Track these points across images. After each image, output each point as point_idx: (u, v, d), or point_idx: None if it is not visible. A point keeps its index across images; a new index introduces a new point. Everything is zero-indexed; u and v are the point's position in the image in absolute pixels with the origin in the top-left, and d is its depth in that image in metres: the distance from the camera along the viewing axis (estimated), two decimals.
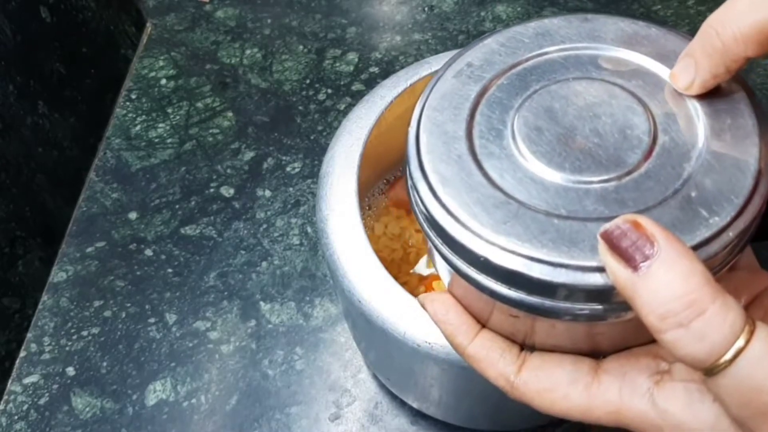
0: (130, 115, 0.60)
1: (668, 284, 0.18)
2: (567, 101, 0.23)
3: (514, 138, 0.23)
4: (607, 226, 0.19)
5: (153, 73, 0.63)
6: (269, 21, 0.65)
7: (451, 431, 0.43)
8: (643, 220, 0.19)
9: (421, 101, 0.24)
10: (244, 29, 0.65)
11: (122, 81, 0.62)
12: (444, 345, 0.31)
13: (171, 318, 0.49)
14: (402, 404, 0.44)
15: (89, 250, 0.53)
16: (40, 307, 0.51)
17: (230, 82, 0.61)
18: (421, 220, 0.23)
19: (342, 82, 0.60)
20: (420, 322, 0.31)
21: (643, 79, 0.23)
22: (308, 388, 0.46)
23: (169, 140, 0.58)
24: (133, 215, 0.54)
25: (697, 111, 0.22)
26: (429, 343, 0.31)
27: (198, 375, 0.47)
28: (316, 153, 0.56)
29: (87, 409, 0.46)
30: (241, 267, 0.51)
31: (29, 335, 0.49)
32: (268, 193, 0.55)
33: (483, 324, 0.25)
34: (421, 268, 0.41)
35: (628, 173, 0.21)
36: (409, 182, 0.23)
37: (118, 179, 0.56)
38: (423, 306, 0.26)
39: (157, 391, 0.46)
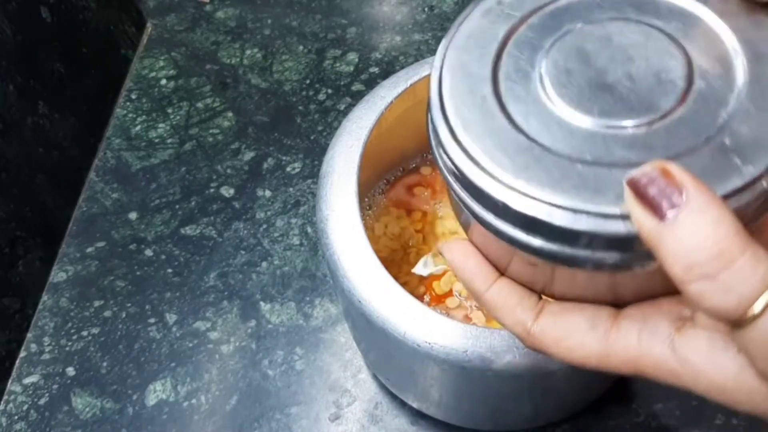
0: (130, 115, 0.60)
1: (695, 234, 0.17)
2: (600, 43, 0.22)
3: (541, 80, 0.22)
4: (633, 172, 0.18)
5: (153, 74, 0.63)
6: (269, 21, 0.65)
7: (451, 431, 0.43)
8: (673, 167, 0.18)
9: (446, 40, 0.23)
10: (245, 29, 0.65)
11: (122, 81, 0.62)
12: (444, 345, 0.31)
13: (171, 318, 0.49)
14: (402, 404, 0.44)
15: (89, 250, 0.53)
16: (40, 307, 0.51)
17: (230, 82, 0.61)
18: (441, 165, 0.22)
19: (342, 83, 0.60)
20: (420, 322, 0.31)
21: (683, 21, 0.22)
22: (308, 388, 0.46)
23: (169, 140, 0.58)
24: (133, 215, 0.54)
25: (738, 55, 0.21)
26: (429, 343, 0.31)
27: (198, 375, 0.47)
28: (316, 153, 0.56)
29: (87, 409, 0.46)
30: (241, 267, 0.51)
31: (29, 335, 0.49)
32: (268, 193, 0.55)
33: (502, 273, 0.24)
34: (421, 268, 0.41)
35: (660, 118, 0.20)
36: (430, 125, 0.23)
37: (118, 179, 0.56)
38: (442, 253, 0.25)
39: (157, 391, 0.46)
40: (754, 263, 0.17)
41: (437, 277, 0.40)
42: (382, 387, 0.45)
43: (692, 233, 0.17)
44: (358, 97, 0.59)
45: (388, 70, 0.60)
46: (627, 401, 0.43)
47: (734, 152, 0.19)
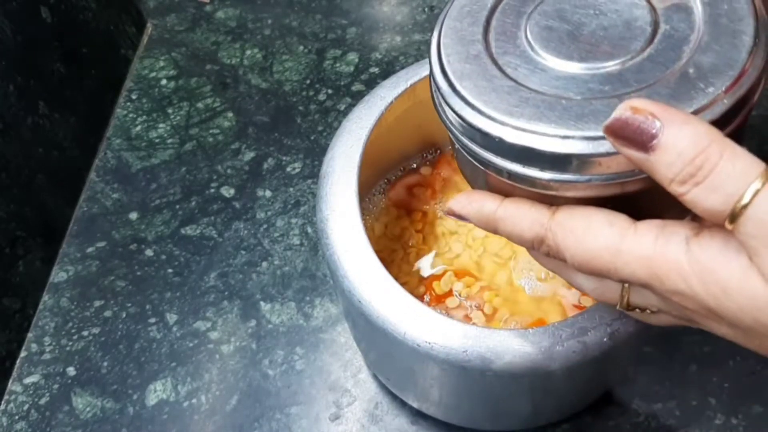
0: (130, 115, 0.60)
1: (678, 153, 0.20)
2: (575, 3, 0.25)
3: (527, 37, 0.25)
4: (607, 121, 0.21)
5: (153, 74, 0.63)
6: (269, 21, 0.65)
7: (452, 431, 0.43)
8: (639, 103, 0.20)
9: (442, 15, 0.27)
10: (245, 30, 0.65)
11: (122, 81, 0.62)
12: (444, 345, 0.31)
13: (171, 318, 0.49)
14: (402, 404, 0.44)
15: (90, 250, 0.53)
16: (40, 307, 0.51)
17: (230, 82, 0.61)
18: (444, 118, 0.26)
19: (342, 83, 0.60)
20: (420, 322, 0.31)
21: None
22: (308, 388, 0.46)
23: (169, 140, 0.58)
24: (133, 215, 0.54)
25: (696, 1, 0.24)
26: (429, 343, 0.31)
27: (198, 375, 0.47)
28: (316, 153, 0.56)
29: (87, 409, 0.46)
30: (242, 267, 0.51)
31: (30, 335, 0.49)
32: (268, 193, 0.55)
33: None
34: (421, 268, 0.41)
35: (631, 58, 0.23)
36: (432, 84, 0.26)
37: (119, 179, 0.56)
38: (449, 210, 0.27)
39: (157, 391, 0.46)
40: (732, 160, 0.19)
41: (437, 277, 0.40)
42: (382, 387, 0.45)
43: (677, 154, 0.20)
44: (358, 97, 0.59)
45: (388, 70, 0.60)
46: (627, 401, 0.43)
47: (697, 78, 0.22)
